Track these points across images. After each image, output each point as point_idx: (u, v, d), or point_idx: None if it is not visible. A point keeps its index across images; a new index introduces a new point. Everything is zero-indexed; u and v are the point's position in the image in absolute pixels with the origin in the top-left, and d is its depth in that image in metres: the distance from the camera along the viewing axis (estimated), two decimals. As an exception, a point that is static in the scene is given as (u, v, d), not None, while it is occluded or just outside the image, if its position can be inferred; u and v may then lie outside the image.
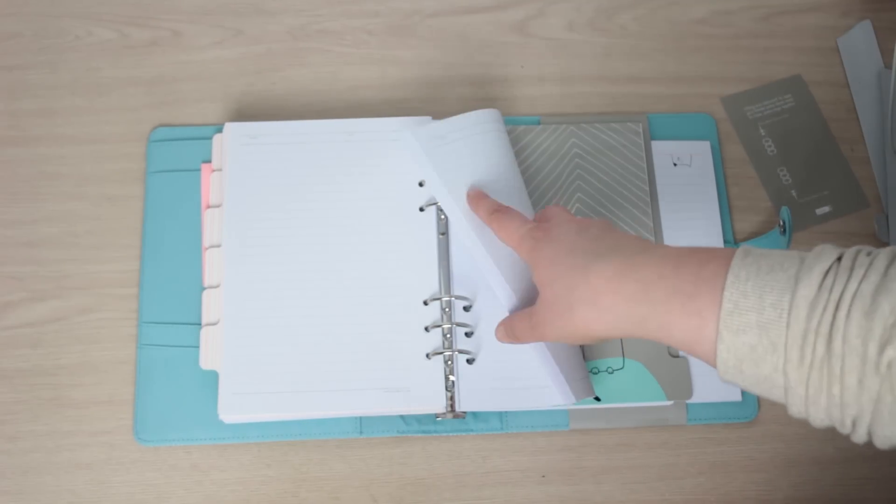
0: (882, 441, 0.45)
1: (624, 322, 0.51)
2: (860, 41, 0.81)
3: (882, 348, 0.42)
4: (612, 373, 0.68)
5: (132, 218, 0.73)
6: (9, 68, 0.77)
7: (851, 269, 0.44)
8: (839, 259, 0.45)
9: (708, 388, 0.69)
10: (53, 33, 0.78)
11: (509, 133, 0.73)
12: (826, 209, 0.76)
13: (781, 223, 0.68)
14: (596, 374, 0.68)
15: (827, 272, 0.45)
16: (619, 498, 0.67)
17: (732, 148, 0.77)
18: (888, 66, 0.79)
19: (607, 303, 0.51)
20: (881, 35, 0.81)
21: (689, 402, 0.68)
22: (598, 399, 0.67)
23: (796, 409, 0.46)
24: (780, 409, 0.69)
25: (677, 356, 0.69)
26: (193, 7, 0.80)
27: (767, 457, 0.69)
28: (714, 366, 0.48)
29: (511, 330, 0.62)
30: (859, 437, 0.45)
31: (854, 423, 0.45)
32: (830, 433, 0.68)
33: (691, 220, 0.73)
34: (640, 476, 0.68)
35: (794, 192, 0.76)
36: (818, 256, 0.46)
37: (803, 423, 0.68)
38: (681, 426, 0.69)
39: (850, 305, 0.43)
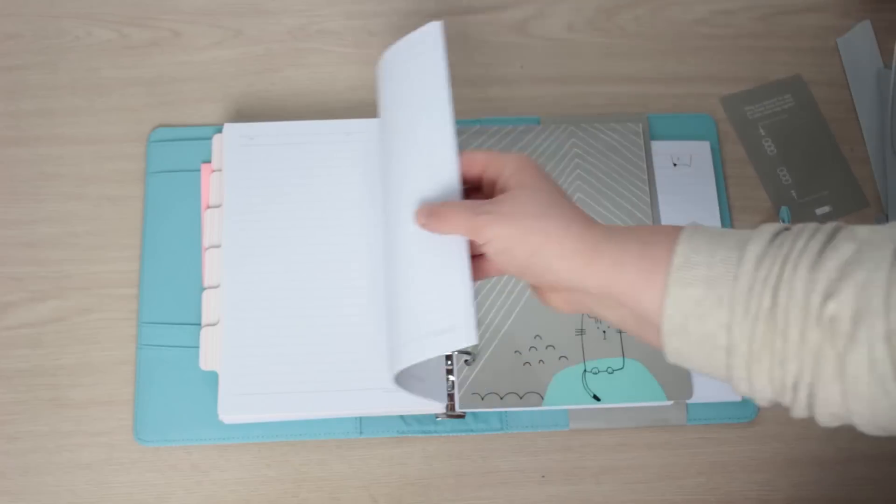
0: (822, 409, 0.44)
1: (580, 251, 0.49)
2: (860, 41, 0.81)
3: (825, 301, 0.43)
4: (612, 373, 0.68)
5: (132, 218, 0.73)
6: (9, 68, 0.77)
7: (800, 231, 0.45)
8: (789, 229, 0.47)
9: (708, 388, 0.68)
10: (53, 33, 0.78)
11: (508, 133, 0.73)
12: (826, 209, 0.76)
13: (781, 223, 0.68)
14: (596, 374, 0.68)
15: (777, 234, 0.46)
16: (619, 498, 0.67)
17: (732, 148, 0.77)
18: (888, 66, 0.79)
19: (576, 229, 0.50)
20: (881, 35, 0.81)
21: (689, 402, 0.68)
22: (597, 399, 0.67)
23: (739, 374, 0.46)
24: (780, 409, 0.69)
25: None
26: (193, 7, 0.80)
27: (767, 457, 0.69)
28: (657, 325, 0.47)
29: (441, 215, 0.54)
30: (800, 405, 0.45)
31: (795, 387, 0.44)
32: (830, 432, 0.69)
33: (691, 221, 0.73)
34: (640, 476, 0.68)
35: (793, 192, 0.76)
36: (767, 225, 0.47)
37: (803, 424, 0.69)
38: (681, 426, 0.69)
39: (798, 261, 0.44)
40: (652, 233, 0.49)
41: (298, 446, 0.68)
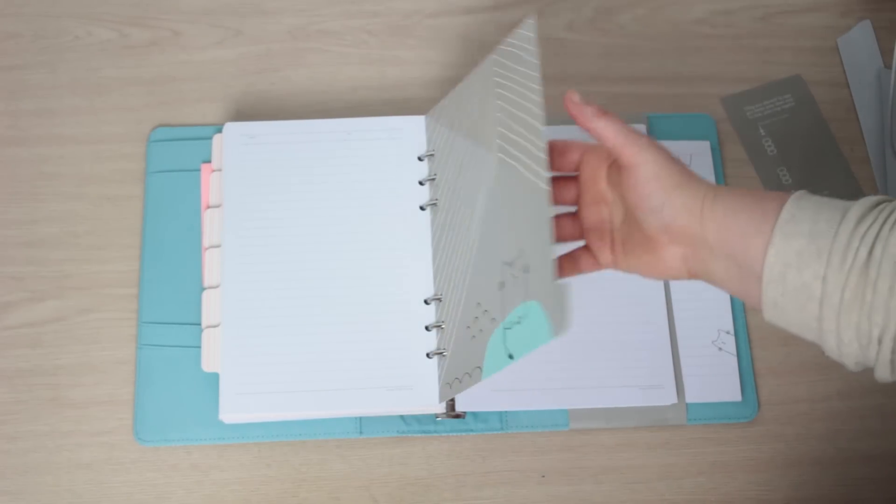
0: None
1: (706, 196, 0.54)
2: (860, 41, 0.81)
3: None
4: (519, 322, 0.58)
5: (132, 218, 0.73)
6: (9, 68, 0.77)
7: None
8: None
9: (707, 387, 0.69)
10: (53, 33, 0.78)
11: None
12: (826, 209, 0.76)
13: (781, 223, 0.68)
14: (510, 328, 0.59)
15: (880, 202, 0.49)
16: (619, 498, 0.67)
17: (732, 148, 0.77)
18: (888, 66, 0.79)
19: (696, 179, 0.55)
20: (881, 35, 0.81)
21: (689, 402, 0.68)
22: (511, 357, 0.59)
23: (828, 324, 0.48)
24: (780, 408, 0.70)
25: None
26: (193, 7, 0.80)
27: (767, 457, 0.69)
28: (759, 275, 0.50)
29: (604, 112, 0.58)
30: (883, 360, 0.47)
31: (880, 339, 0.47)
32: (831, 432, 0.69)
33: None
34: (640, 476, 0.68)
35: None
36: (873, 196, 0.50)
37: (804, 423, 0.69)
38: (681, 426, 0.69)
39: (895, 222, 0.47)
40: (765, 192, 0.53)
41: (298, 446, 0.68)
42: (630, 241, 0.58)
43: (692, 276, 0.56)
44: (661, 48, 0.80)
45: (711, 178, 0.75)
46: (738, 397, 0.69)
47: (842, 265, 0.47)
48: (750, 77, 0.80)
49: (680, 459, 0.68)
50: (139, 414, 0.67)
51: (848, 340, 0.48)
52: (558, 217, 0.62)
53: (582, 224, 0.61)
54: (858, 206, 0.49)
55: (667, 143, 0.74)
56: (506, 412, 0.68)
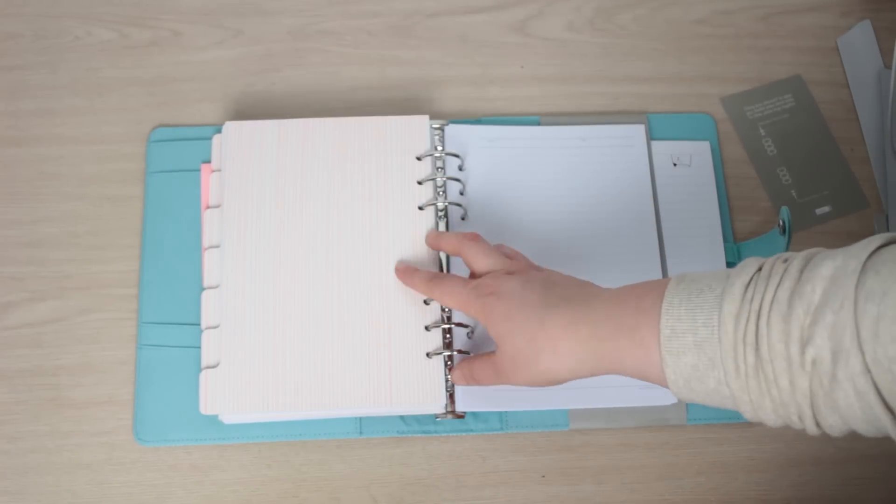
0: (832, 430, 0.47)
1: (583, 363, 0.54)
2: (860, 41, 0.81)
3: (803, 348, 0.45)
4: None
5: (132, 218, 0.73)
6: (9, 68, 0.77)
7: (769, 277, 0.47)
8: (761, 269, 0.49)
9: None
10: (53, 33, 0.78)
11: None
12: (826, 209, 0.76)
13: (781, 223, 0.68)
14: None
15: (748, 284, 0.48)
16: (619, 498, 0.67)
17: (732, 148, 0.77)
18: (888, 66, 0.79)
19: (565, 348, 0.54)
20: (881, 35, 0.81)
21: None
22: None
23: (749, 415, 0.49)
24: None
25: None
26: (193, 7, 0.80)
27: (767, 457, 0.69)
28: (666, 387, 0.51)
29: (471, 374, 0.63)
30: (811, 430, 0.48)
31: (801, 419, 0.47)
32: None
33: (691, 221, 0.73)
34: (640, 476, 0.68)
35: (793, 192, 0.76)
36: (740, 271, 0.49)
37: (803, 423, 0.69)
38: (681, 426, 0.69)
39: (770, 313, 0.46)
40: (635, 313, 0.51)
41: (298, 446, 0.68)
42: None
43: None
44: (661, 48, 0.80)
45: (711, 178, 0.75)
46: (738, 397, 0.69)
47: (737, 372, 0.48)
48: (750, 77, 0.80)
49: (680, 459, 0.68)
50: (139, 414, 0.67)
51: (773, 422, 0.49)
52: None
53: None
54: (731, 301, 0.48)
55: (667, 143, 0.76)
56: (506, 412, 0.68)
